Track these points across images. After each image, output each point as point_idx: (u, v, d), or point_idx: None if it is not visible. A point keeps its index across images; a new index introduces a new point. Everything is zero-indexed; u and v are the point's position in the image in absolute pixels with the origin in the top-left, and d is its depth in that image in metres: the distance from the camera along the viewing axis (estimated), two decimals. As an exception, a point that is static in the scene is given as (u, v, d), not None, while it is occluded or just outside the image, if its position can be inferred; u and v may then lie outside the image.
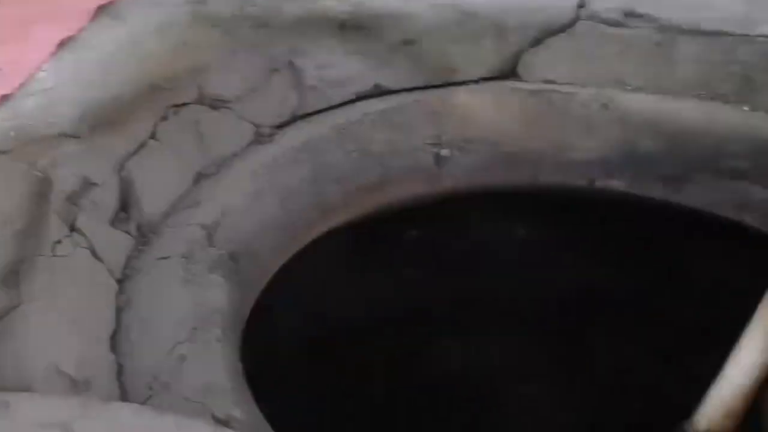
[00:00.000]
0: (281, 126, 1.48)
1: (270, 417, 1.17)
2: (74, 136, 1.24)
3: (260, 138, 1.45)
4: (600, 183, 1.51)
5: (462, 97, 1.52)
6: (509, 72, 1.57)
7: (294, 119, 1.49)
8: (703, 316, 1.67)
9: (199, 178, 1.37)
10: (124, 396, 1.08)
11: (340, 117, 1.48)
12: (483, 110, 1.51)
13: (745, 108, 1.50)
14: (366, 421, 1.80)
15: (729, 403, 1.27)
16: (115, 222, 1.25)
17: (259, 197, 1.37)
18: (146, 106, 1.31)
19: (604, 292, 1.75)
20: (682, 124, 1.48)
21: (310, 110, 1.50)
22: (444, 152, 1.48)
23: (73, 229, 1.18)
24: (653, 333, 1.76)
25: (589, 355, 1.87)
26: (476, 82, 1.55)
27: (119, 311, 1.17)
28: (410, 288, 1.74)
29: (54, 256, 1.14)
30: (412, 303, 1.76)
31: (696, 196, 1.47)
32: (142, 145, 1.31)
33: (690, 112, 1.49)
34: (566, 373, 1.89)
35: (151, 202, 1.30)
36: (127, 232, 1.26)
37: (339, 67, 1.51)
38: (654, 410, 1.86)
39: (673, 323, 1.72)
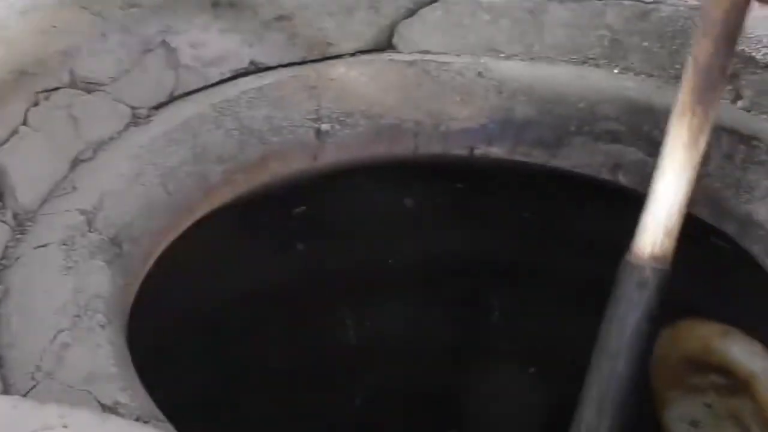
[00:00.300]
0: (158, 107, 1.46)
1: (161, 401, 1.16)
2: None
3: (137, 120, 1.43)
4: (480, 151, 1.53)
5: (339, 70, 1.52)
6: (385, 44, 1.58)
7: (171, 99, 1.47)
8: (585, 271, 1.71)
9: (76, 163, 1.34)
10: (7, 389, 1.06)
11: (217, 95, 1.47)
12: (361, 83, 1.51)
13: (616, 71, 1.53)
14: (263, 399, 1.81)
15: (666, 222, 1.27)
16: (-11, 212, 1.23)
17: (139, 180, 1.35)
18: (15, 93, 1.28)
19: (491, 255, 1.78)
20: (556, 89, 1.51)
21: (187, 90, 1.48)
22: (324, 127, 1.48)
23: (-55, 221, 1.16)
24: (539, 291, 1.80)
25: (483, 317, 1.90)
26: (353, 55, 1.55)
27: (-3, 302, 1.15)
28: (301, 263, 1.74)
29: (-74, 249, 1.11)
30: (305, 278, 1.76)
31: (573, 158, 1.50)
32: (13, 133, 1.29)
33: (563, 77, 1.52)
34: (461, 337, 1.92)
35: (26, 190, 1.28)
36: (3, 222, 1.24)
37: (214, 45, 1.49)
38: (546, 366, 1.91)
39: (556, 281, 1.76)
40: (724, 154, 1.40)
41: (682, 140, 1.25)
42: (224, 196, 1.44)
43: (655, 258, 1.28)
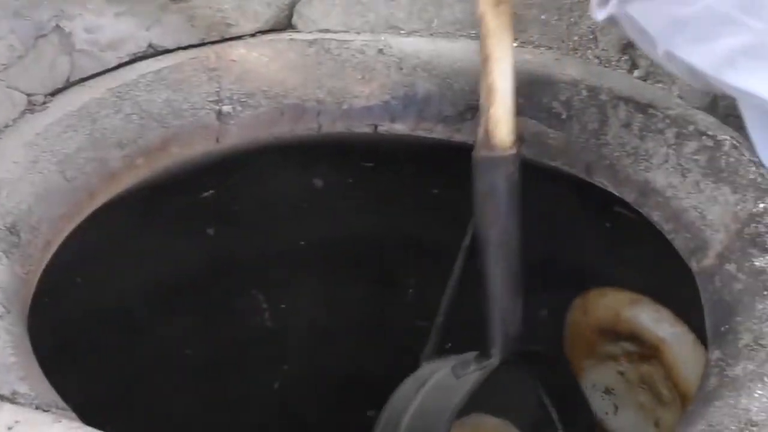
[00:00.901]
0: (54, 93, 1.44)
1: (64, 390, 1.15)
2: None
3: (33, 107, 1.41)
4: (384, 128, 1.53)
5: (239, 51, 1.51)
6: (285, 24, 1.57)
7: (68, 85, 1.45)
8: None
9: (-30, 152, 1.32)
10: None
11: (115, 80, 1.45)
12: (261, 63, 1.51)
13: (515, 44, 1.54)
14: (175, 388, 1.79)
15: (503, 117, 1.29)
16: None
17: (37, 167, 1.33)
18: None
19: (403, 232, 1.79)
20: (456, 64, 1.51)
21: (83, 75, 1.46)
22: (225, 108, 1.47)
23: None
24: (449, 265, 1.80)
25: (398, 295, 1.91)
26: (253, 35, 1.54)
27: None
28: (211, 247, 1.73)
29: None
30: (215, 262, 1.75)
31: (475, 133, 1.51)
32: None
33: (463, 52, 1.52)
34: (377, 316, 1.93)
35: None
36: None
37: (110, 29, 1.47)
38: (463, 341, 1.92)
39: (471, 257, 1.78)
40: (622, 123, 1.41)
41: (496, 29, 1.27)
42: (126, 181, 1.42)
43: (503, 145, 1.30)
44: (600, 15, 1.13)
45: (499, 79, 1.27)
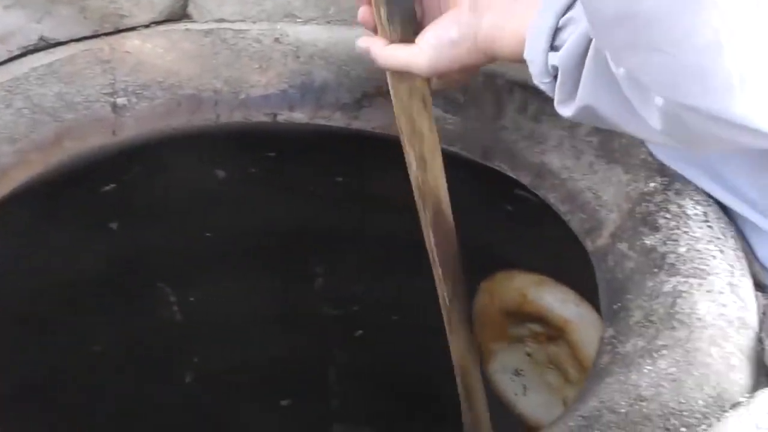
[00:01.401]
0: (-58, 88, 1.41)
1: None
2: None
3: None
4: (282, 116, 1.53)
5: (133, 42, 1.49)
6: (180, 14, 1.55)
7: (-44, 79, 1.42)
8: (397, 228, 1.73)
9: None
10: None
11: (5, 74, 1.42)
12: (157, 54, 1.49)
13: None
14: (84, 387, 1.77)
15: None
16: None
17: (-76, 165, 1.30)
18: None
19: (309, 221, 1.78)
20: (353, 52, 1.48)
21: (-28, 69, 1.43)
22: (120, 101, 1.45)
23: None
24: (360, 253, 1.81)
25: (306, 284, 1.90)
26: (147, 26, 1.52)
27: None
28: (115, 241, 1.71)
29: None
30: (121, 256, 1.72)
31: (374, 120, 1.51)
32: None
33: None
34: (286, 306, 1.92)
35: None
36: None
37: (-1, 22, 1.45)
38: (373, 328, 1.93)
39: (375, 243, 1.78)
40: (517, 107, 1.43)
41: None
42: (19, 177, 1.39)
43: None
44: (566, 112, 1.12)
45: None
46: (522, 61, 1.12)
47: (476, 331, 1.73)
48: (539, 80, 1.11)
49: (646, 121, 0.94)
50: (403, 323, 1.90)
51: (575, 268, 1.49)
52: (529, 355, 1.69)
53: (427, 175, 1.31)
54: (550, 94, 1.12)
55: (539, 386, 1.69)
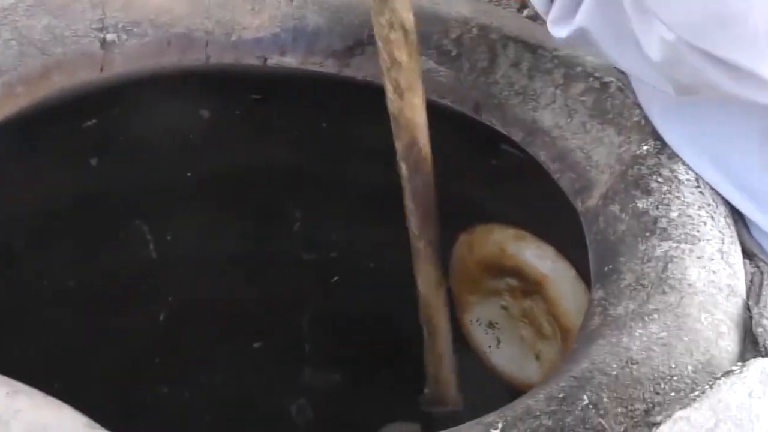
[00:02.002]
0: (-72, 16, 1.38)
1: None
2: None
3: None
4: (273, 61, 1.51)
5: (124, -22, 1.46)
6: (173, -50, 1.52)
7: (-58, 9, 1.39)
8: (382, 180, 1.73)
9: None
10: None
11: (-7, 4, 1.39)
12: (148, -9, 1.46)
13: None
14: (53, 319, 1.76)
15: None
16: None
17: None
18: None
19: (290, 165, 1.77)
20: (347, -2, 1.50)
21: (-41, -1, 1.40)
22: (110, 37, 1.43)
23: None
24: (339, 200, 1.81)
25: (284, 228, 1.90)
26: (139, -39, 1.49)
27: None
28: (94, 177, 1.69)
29: None
30: (99, 192, 1.71)
31: (365, 68, 1.50)
32: None
33: (355, -15, 1.51)
34: (263, 249, 1.92)
35: None
36: None
37: (-13, -49, 1.41)
38: (349, 274, 1.93)
39: (357, 190, 1.78)
40: (511, 62, 1.42)
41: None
42: (4, 110, 1.37)
43: None
44: (560, 33, 1.11)
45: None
46: None
47: (453, 283, 1.75)
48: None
49: (642, 51, 0.94)
50: (379, 271, 1.90)
51: (556, 225, 1.51)
52: (504, 308, 1.71)
53: (404, 103, 1.30)
54: (544, 14, 1.11)
55: (512, 340, 1.71)
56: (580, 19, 1.04)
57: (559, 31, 1.10)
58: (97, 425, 0.90)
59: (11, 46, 1.36)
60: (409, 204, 1.39)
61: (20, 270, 1.68)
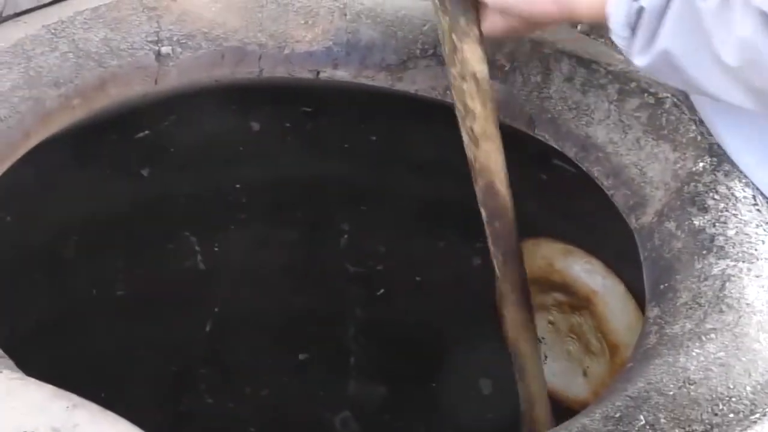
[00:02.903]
0: (-12, 28, 1.40)
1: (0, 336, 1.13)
2: None
3: (-35, 42, 1.36)
4: (325, 74, 1.52)
5: (180, -9, 1.47)
6: (228, -36, 1.54)
7: (1, 20, 1.41)
8: (430, 192, 1.74)
9: None
10: None
11: (51, 17, 1.40)
12: (203, 4, 1.47)
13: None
14: (110, 330, 1.78)
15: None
16: None
17: (-31, 105, 1.29)
18: None
19: (339, 178, 1.78)
20: (400, 12, 1.50)
21: (18, 10, 1.42)
22: (165, 49, 1.44)
23: None
24: (388, 213, 1.81)
25: (332, 241, 1.90)
26: (193, -25, 1.51)
27: None
28: (147, 187, 1.71)
29: None
30: (150, 204, 1.73)
31: (418, 82, 1.50)
32: None
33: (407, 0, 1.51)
34: (311, 261, 1.93)
35: None
36: None
37: (46, -36, 1.43)
38: (396, 287, 1.93)
39: (406, 203, 1.78)
40: (565, 77, 1.42)
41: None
42: (61, 121, 1.38)
43: None
44: (642, 61, 1.11)
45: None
46: (599, 21, 1.11)
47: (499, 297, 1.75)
48: (619, 33, 1.10)
49: (721, 61, 0.96)
50: (425, 285, 1.90)
51: (609, 241, 1.50)
52: (551, 323, 1.70)
53: (479, 151, 1.30)
54: (625, 49, 1.11)
55: (559, 355, 1.70)
56: (662, 42, 1.05)
57: (641, 59, 1.10)
58: (154, 439, 0.91)
59: (69, 59, 1.38)
60: (492, 248, 1.39)
61: (71, 278, 1.70)
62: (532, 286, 1.65)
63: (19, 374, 0.94)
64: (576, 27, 1.50)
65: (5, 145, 1.31)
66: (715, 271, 1.10)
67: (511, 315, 1.40)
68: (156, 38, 1.44)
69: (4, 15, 1.41)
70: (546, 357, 1.71)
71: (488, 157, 1.30)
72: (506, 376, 1.65)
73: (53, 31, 1.38)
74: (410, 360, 1.96)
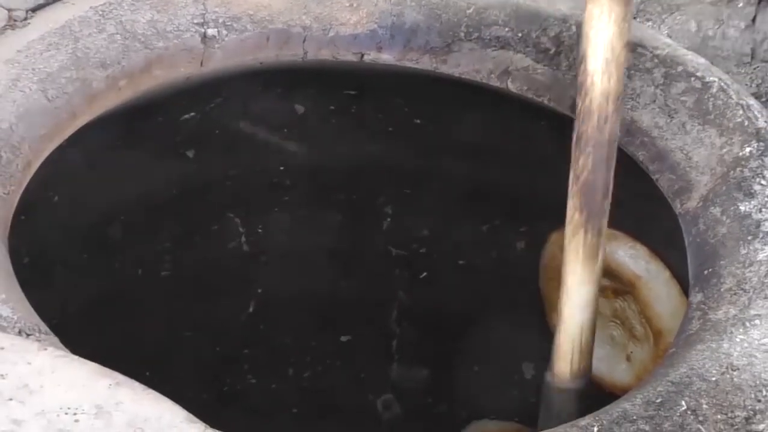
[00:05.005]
0: (36, 9, 1.41)
1: (43, 308, 1.14)
2: None
3: (14, 23, 1.38)
4: (369, 57, 1.52)
5: (225, -27, 1.48)
6: (274, -54, 1.54)
7: (50, 1, 1.42)
8: (474, 175, 1.73)
9: (-50, 68, 1.30)
10: None
11: (99, -2, 1.42)
12: (248, -14, 1.48)
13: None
14: (153, 309, 1.79)
15: (578, 340, 1.33)
16: None
17: (18, 86, 1.31)
18: None
19: (382, 160, 1.78)
20: (444, -6, 1.50)
21: (66, -9, 1.43)
22: (210, 32, 1.45)
23: None
24: (431, 196, 1.81)
25: (375, 223, 1.91)
26: (240, -43, 1.51)
27: None
28: (192, 168, 1.72)
29: None
30: (195, 185, 1.74)
31: (462, 65, 1.50)
32: None
33: (452, -18, 1.51)
34: (354, 243, 1.93)
35: None
36: None
37: (93, -55, 1.44)
38: (438, 271, 1.93)
39: (449, 187, 1.78)
40: (611, 60, 1.41)
41: (579, 258, 1.29)
42: (108, 102, 1.40)
43: (573, 375, 1.33)
44: None
45: (576, 310, 1.31)
46: None
47: (543, 281, 1.74)
48: None
49: None
50: (468, 268, 1.90)
51: (654, 226, 1.49)
52: (594, 308, 1.69)
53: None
54: None
55: (603, 340, 1.69)
56: None
57: None
58: (196, 419, 0.91)
59: (115, 40, 1.39)
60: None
61: (117, 258, 1.72)
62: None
63: (64, 351, 0.96)
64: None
65: (53, 126, 1.33)
66: (761, 256, 1.09)
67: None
68: (202, 20, 1.45)
69: (52, -4, 1.43)
70: (589, 342, 1.71)
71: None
72: (548, 360, 1.65)
73: (101, 12, 1.40)
74: (453, 343, 1.96)
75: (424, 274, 1.95)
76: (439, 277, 1.94)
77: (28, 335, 1.01)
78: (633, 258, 1.59)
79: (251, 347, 1.96)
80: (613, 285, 1.64)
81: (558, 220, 1.65)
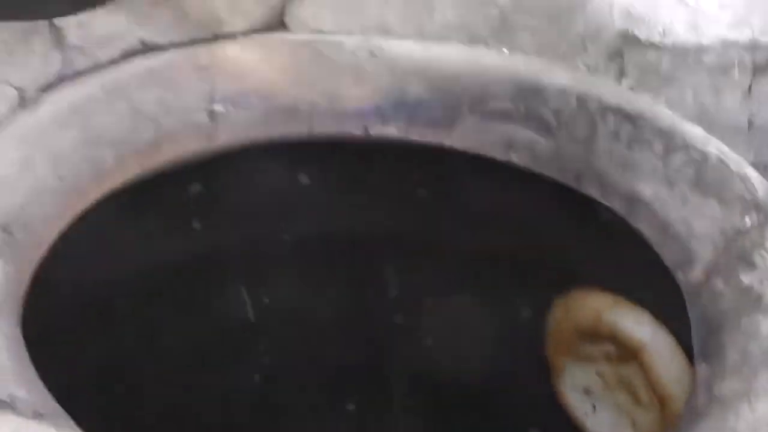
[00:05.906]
0: (46, 89, 1.43)
1: (59, 394, 1.15)
2: None
3: (25, 102, 1.40)
4: (374, 131, 1.54)
5: (232, 50, 1.50)
6: (276, 23, 1.57)
7: (60, 81, 1.45)
8: (479, 246, 1.74)
9: (-39, 149, 1.32)
10: None
11: (107, 77, 1.44)
12: (254, 63, 1.50)
13: (505, 50, 1.55)
14: (164, 382, 1.80)
15: None
16: None
17: (29, 165, 1.33)
18: None
19: (387, 231, 1.79)
20: (447, 68, 1.52)
21: (75, 71, 1.46)
22: (218, 108, 1.47)
23: None
24: (435, 266, 1.82)
25: (380, 293, 1.92)
26: (245, 34, 1.54)
27: None
28: (199, 241, 1.73)
29: None
30: (203, 256, 1.75)
31: (466, 139, 1.52)
32: None
33: (454, 56, 1.53)
34: (359, 313, 1.94)
35: None
36: None
37: (101, 24, 1.47)
38: (444, 340, 1.94)
39: (455, 256, 1.79)
40: (611, 132, 1.43)
41: None
42: (117, 179, 1.42)
43: None
44: None
45: None
46: None
47: (549, 347, 1.75)
48: None
49: None
50: (473, 338, 1.91)
51: (656, 295, 1.50)
52: (599, 374, 1.70)
53: None
54: None
55: (608, 406, 1.70)
56: None
57: None
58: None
59: (124, 118, 1.41)
60: None
61: (124, 331, 1.72)
62: (580, 338, 1.66)
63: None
64: (621, 82, 1.52)
65: (65, 203, 1.35)
66: (764, 329, 1.10)
67: None
68: (209, 97, 1.47)
69: (62, 76, 1.45)
70: (595, 408, 1.71)
71: None
72: (556, 429, 1.65)
73: (109, 91, 1.42)
74: (459, 415, 1.96)
75: (429, 343, 1.96)
76: (443, 346, 1.94)
77: (43, 419, 1.01)
78: (637, 324, 1.60)
79: (257, 416, 1.96)
80: (618, 352, 1.65)
81: (562, 287, 1.67)
